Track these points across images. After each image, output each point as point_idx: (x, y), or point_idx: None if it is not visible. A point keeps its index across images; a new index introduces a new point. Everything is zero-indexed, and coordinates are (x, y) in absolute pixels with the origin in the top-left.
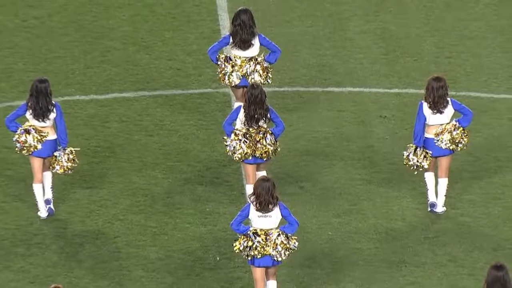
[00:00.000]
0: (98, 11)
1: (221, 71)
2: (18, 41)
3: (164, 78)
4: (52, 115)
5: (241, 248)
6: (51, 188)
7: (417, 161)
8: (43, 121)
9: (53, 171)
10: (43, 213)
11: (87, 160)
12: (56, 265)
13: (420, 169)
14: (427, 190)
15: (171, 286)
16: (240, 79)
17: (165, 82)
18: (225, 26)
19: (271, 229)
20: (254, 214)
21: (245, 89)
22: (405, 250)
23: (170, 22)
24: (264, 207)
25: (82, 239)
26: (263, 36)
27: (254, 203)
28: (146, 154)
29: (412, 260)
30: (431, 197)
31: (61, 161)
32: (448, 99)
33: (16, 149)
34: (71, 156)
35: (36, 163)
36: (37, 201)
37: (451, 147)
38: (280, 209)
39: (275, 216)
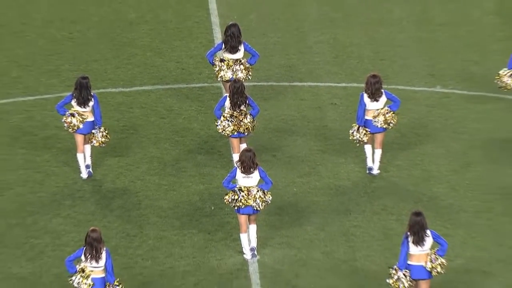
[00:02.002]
0: (124, 26)
1: (218, 70)
2: (65, 48)
3: (173, 76)
4: (91, 103)
5: (229, 200)
6: (90, 156)
7: (359, 136)
8: (84, 107)
9: (91, 144)
10: (84, 175)
11: (116, 136)
12: (93, 213)
13: (361, 143)
14: (366, 158)
15: (178, 228)
16: (230, 76)
17: (174, 78)
18: (218, 37)
19: (252, 186)
20: (239, 175)
21: None
22: (350, 202)
23: (177, 34)
24: (247, 170)
25: (112, 194)
26: (246, 43)
27: (240, 167)
28: (160, 131)
29: (355, 209)
30: (369, 163)
31: (98, 137)
32: (382, 90)
33: (64, 127)
34: (104, 133)
35: (79, 138)
36: (79, 166)
37: (384, 126)
38: (259, 172)
39: (255, 177)
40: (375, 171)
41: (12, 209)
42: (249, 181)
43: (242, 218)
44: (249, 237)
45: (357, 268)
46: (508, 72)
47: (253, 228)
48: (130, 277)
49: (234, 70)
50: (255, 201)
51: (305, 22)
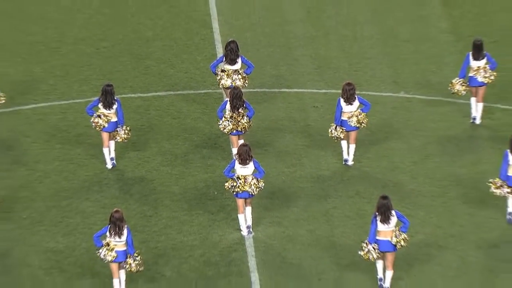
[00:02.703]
0: (142, 42)
1: (219, 78)
2: (93, 61)
3: (182, 83)
4: (115, 106)
5: (229, 187)
6: (114, 150)
7: (337, 134)
8: (109, 109)
9: (115, 140)
10: (109, 165)
11: (135, 133)
12: (117, 197)
13: (338, 139)
14: (342, 151)
15: (187, 209)
16: (230, 83)
17: (183, 86)
18: (219, 52)
19: (248, 175)
20: (237, 166)
21: None
22: (329, 187)
23: (186, 49)
24: (243, 161)
25: (133, 181)
26: (243, 56)
27: (238, 159)
28: (172, 130)
29: (333, 194)
30: (345, 156)
31: (120, 134)
32: (356, 96)
33: (92, 126)
34: (126, 131)
35: (105, 135)
36: (105, 159)
37: (357, 125)
38: (253, 163)
39: (250, 167)
40: (350, 162)
41: (50, 194)
42: (245, 170)
43: (240, 201)
44: (245, 217)
45: (335, 242)
46: (460, 81)
47: (248, 209)
48: (147, 250)
49: (233, 79)
50: (250, 187)
51: (292, 39)
